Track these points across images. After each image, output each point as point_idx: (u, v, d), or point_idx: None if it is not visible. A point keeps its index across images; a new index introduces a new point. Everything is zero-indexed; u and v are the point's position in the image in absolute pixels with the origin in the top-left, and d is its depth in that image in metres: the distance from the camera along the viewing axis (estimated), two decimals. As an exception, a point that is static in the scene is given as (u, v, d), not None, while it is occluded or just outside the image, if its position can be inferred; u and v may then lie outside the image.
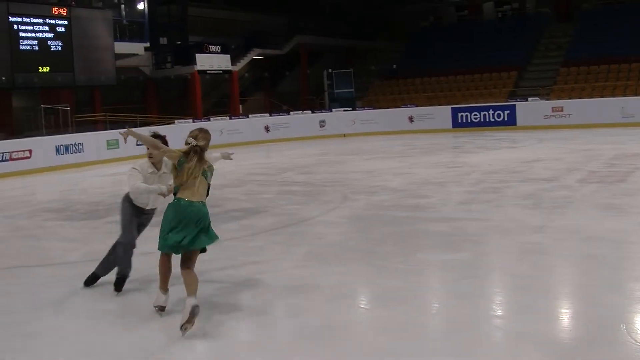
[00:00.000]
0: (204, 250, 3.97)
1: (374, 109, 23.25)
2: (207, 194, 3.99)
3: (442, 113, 22.86)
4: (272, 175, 11.79)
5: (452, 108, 23.01)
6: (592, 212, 6.55)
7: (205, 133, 3.99)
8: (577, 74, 27.21)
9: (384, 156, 15.39)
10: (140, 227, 4.56)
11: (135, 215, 4.48)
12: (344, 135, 21.73)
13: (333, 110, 23.99)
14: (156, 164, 4.40)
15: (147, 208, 4.53)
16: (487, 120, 22.17)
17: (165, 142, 4.20)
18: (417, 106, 23.53)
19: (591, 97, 23.65)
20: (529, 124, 21.49)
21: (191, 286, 3.69)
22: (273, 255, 5.56)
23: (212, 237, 3.92)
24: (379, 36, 33.48)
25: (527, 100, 22.57)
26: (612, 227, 5.78)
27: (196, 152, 3.88)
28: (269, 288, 4.57)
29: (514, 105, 22.24)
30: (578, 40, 29.36)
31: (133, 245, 4.47)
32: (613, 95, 23.64)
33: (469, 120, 22.52)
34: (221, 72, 24.98)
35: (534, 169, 10.37)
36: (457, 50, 29.94)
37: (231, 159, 4.60)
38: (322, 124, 22.68)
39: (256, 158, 15.94)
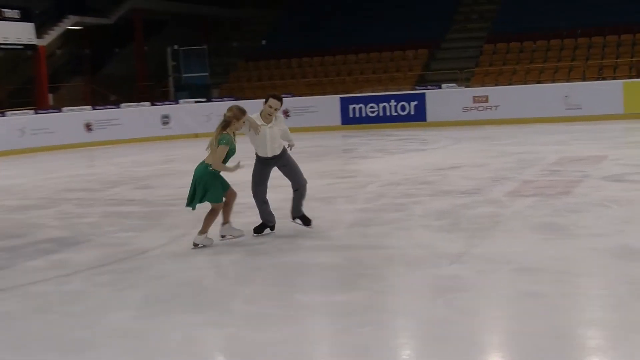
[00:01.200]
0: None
1: (236, 99, 23.12)
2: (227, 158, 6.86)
3: (328, 105, 23.28)
4: (96, 191, 11.46)
5: (340, 98, 23.51)
6: (527, 235, 6.82)
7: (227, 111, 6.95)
8: (507, 52, 28.87)
9: (250, 163, 15.08)
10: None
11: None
12: (196, 136, 21.44)
13: (180, 101, 23.64)
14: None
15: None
16: (388, 114, 22.86)
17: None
18: (294, 96, 23.77)
19: (525, 82, 25.16)
20: (443, 118, 22.43)
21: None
22: (98, 303, 5.35)
23: (192, 202, 6.91)
24: (244, 2, 33.68)
25: (440, 87, 23.56)
26: (553, 255, 6.02)
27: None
28: (93, 351, 4.31)
29: (424, 94, 23.09)
30: (508, 8, 31.21)
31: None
32: (553, 81, 25.33)
33: (364, 115, 23.08)
34: (21, 47, 23.82)
35: (449, 179, 10.73)
36: (348, 21, 30.74)
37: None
38: (165, 120, 22.22)
39: (73, 168, 15.38)
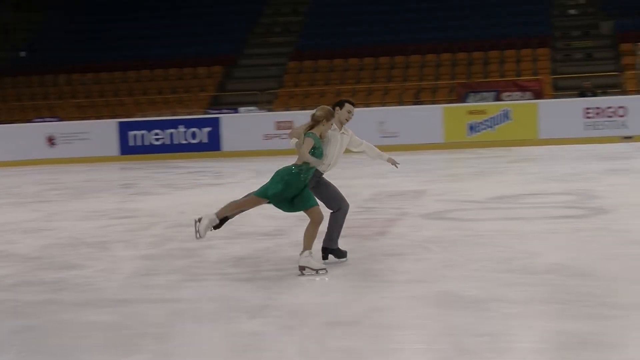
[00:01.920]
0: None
1: (-12, 122, 22.15)
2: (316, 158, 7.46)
3: (103, 131, 22.83)
4: None
5: (119, 123, 23.10)
6: (339, 283, 6.97)
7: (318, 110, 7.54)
8: (314, 71, 29.70)
9: (6, 202, 14.98)
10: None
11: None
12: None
13: None
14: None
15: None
16: (176, 142, 22.75)
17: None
18: (61, 120, 23.08)
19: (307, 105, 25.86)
20: (241, 148, 22.64)
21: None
22: None
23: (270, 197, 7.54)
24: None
25: (237, 111, 23.78)
26: (368, 305, 6.17)
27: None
28: None
29: (218, 119, 23.22)
30: (316, 20, 32.12)
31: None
32: (367, 104, 26.29)
33: (147, 143, 22.84)
34: None
35: (249, 219, 10.76)
36: (129, 30, 30.35)
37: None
38: None
39: None
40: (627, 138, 22.62)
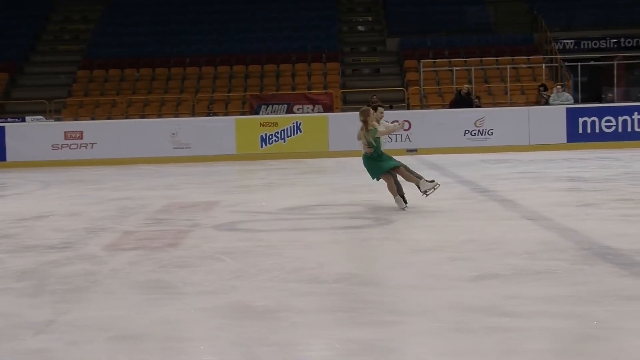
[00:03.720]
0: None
1: None
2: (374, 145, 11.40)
3: None
4: None
5: None
6: (128, 296, 6.82)
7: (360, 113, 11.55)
8: (105, 80, 29.03)
9: None
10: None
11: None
12: None
13: None
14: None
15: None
16: (-44, 152, 21.61)
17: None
18: None
19: (126, 116, 25.44)
20: (28, 158, 21.88)
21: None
22: None
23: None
24: None
25: (23, 120, 22.93)
26: (159, 318, 6.08)
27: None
28: None
29: (3, 127, 22.31)
30: (106, 28, 31.37)
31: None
32: (160, 115, 25.97)
33: None
34: None
35: (35, 231, 10.43)
36: None
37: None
38: None
39: None
40: (412, 151, 23.66)
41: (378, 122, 11.92)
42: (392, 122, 13.22)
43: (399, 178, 11.70)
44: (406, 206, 11.36)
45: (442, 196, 12.86)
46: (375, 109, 11.86)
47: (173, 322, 6.00)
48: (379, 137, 11.57)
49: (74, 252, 8.81)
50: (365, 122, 11.47)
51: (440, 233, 9.50)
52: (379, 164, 11.56)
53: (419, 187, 11.53)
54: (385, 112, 12.73)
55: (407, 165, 11.89)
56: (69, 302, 6.58)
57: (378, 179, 11.77)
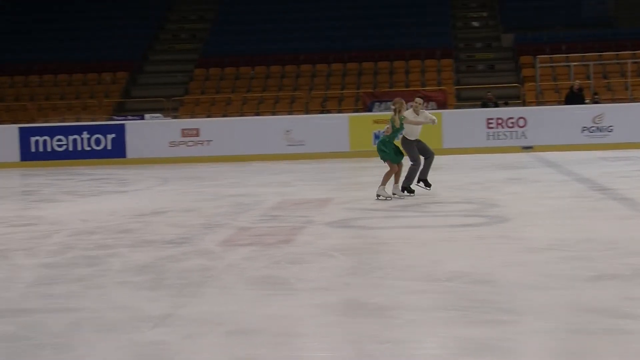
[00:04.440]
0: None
1: None
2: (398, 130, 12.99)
3: (4, 136, 22.32)
4: None
5: (19, 129, 22.60)
6: (242, 292, 6.93)
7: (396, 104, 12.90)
8: (220, 78, 29.57)
9: None
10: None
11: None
12: None
13: None
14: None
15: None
16: (80, 149, 22.39)
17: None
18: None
19: (241, 114, 25.88)
20: (146, 155, 22.44)
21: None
22: None
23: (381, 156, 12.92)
24: None
25: (142, 118, 23.57)
26: (272, 313, 6.16)
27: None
28: None
29: (123, 125, 22.97)
30: (222, 27, 31.96)
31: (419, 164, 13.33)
32: (274, 113, 26.31)
33: (49, 149, 22.40)
34: None
35: (153, 227, 10.70)
36: (27, 33, 29.66)
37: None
38: None
39: None
40: (527, 148, 23.25)
41: (417, 112, 13.52)
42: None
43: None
44: (390, 197, 12.82)
45: (559, 194, 12.61)
46: (414, 100, 13.75)
47: (286, 317, 6.07)
48: (400, 127, 13.05)
49: (190, 247, 9.01)
50: (398, 111, 12.89)
51: (556, 232, 9.32)
52: (396, 152, 12.99)
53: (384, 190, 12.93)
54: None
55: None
56: (186, 296, 6.73)
57: (397, 163, 12.98)
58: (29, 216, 12.41)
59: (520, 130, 23.49)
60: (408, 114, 13.31)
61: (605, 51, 31.12)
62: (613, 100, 27.65)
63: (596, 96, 26.51)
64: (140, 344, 5.50)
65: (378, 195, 12.76)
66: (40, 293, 7.07)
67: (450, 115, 24.34)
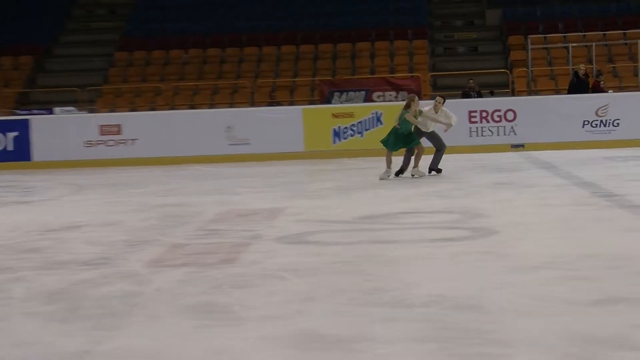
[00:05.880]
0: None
1: None
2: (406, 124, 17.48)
3: None
4: None
5: None
6: (176, 322, 6.90)
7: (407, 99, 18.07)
8: (147, 63, 29.41)
9: None
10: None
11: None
12: None
13: None
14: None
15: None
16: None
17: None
18: None
19: (172, 107, 25.74)
20: (57, 157, 22.27)
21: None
22: None
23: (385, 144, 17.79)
24: None
25: (51, 112, 23.37)
26: (211, 347, 6.14)
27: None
28: None
29: (27, 121, 22.76)
30: (149, 2, 31.70)
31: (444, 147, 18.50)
32: (212, 105, 26.21)
33: None
34: None
35: (66, 245, 10.66)
36: None
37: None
38: None
39: None
40: (517, 147, 23.44)
41: (436, 110, 17.88)
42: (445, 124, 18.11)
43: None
44: (425, 175, 17.79)
45: (556, 202, 12.73)
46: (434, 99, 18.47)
47: (229, 352, 6.05)
48: (407, 120, 17.20)
49: (111, 269, 8.95)
50: (408, 107, 17.23)
51: (553, 247, 9.41)
52: (398, 141, 17.35)
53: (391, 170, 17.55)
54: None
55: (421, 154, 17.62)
56: (107, 329, 6.68)
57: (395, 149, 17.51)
58: None
59: (508, 124, 23.68)
60: (428, 111, 17.71)
61: (611, 29, 31.49)
62: (620, 89, 27.97)
63: (602, 83, 26.58)
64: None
65: (413, 175, 17.58)
66: None
67: (425, 108, 24.42)
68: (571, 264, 8.39)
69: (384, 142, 17.52)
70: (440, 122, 17.95)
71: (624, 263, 8.32)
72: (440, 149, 18.12)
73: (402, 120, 17.15)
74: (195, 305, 7.34)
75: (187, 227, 11.76)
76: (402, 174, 17.66)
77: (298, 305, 7.24)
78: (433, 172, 17.98)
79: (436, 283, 7.81)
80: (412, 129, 17.46)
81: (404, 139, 17.35)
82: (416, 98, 17.45)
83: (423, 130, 17.81)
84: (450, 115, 18.06)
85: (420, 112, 17.50)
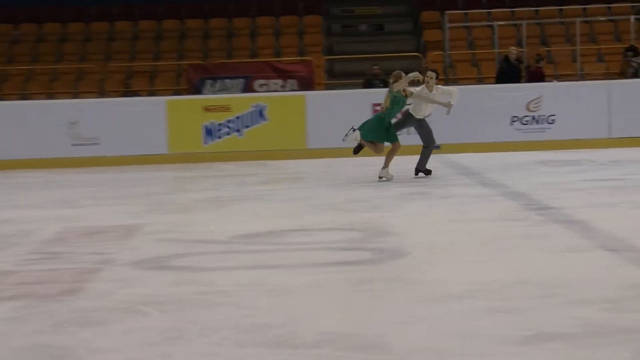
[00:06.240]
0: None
1: None
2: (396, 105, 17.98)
3: None
4: None
5: None
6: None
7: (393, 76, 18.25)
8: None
9: None
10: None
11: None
12: None
13: None
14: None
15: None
16: None
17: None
18: None
19: (1, 97, 25.37)
20: None
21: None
22: None
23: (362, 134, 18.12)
24: None
25: None
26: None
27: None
28: None
29: None
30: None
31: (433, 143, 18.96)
32: (50, 96, 25.88)
33: None
34: None
35: None
36: None
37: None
38: None
39: None
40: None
41: (429, 88, 17.96)
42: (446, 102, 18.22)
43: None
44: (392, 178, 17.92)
45: (479, 216, 12.92)
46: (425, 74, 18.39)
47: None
48: (398, 104, 17.53)
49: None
50: (392, 83, 17.42)
51: (475, 272, 9.53)
52: (377, 130, 17.70)
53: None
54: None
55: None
56: None
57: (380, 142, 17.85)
58: None
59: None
60: (420, 91, 17.95)
61: (545, 5, 31.94)
62: (556, 77, 28.37)
63: (541, 64, 26.65)
64: None
65: (380, 177, 17.80)
66: None
67: (318, 99, 24.58)
68: (497, 292, 8.51)
69: (361, 128, 17.79)
70: (438, 103, 18.20)
71: (559, 291, 8.46)
72: (427, 145, 18.49)
73: (397, 99, 17.51)
74: (29, 348, 7.25)
75: (17, 249, 11.61)
76: (357, 153, 18.55)
77: (161, 347, 7.20)
78: (421, 174, 18.40)
79: (330, 318, 7.86)
80: (392, 121, 17.93)
81: (384, 130, 17.69)
82: (403, 74, 17.58)
83: (416, 116, 18.16)
84: (449, 91, 18.60)
85: (411, 93, 17.83)
